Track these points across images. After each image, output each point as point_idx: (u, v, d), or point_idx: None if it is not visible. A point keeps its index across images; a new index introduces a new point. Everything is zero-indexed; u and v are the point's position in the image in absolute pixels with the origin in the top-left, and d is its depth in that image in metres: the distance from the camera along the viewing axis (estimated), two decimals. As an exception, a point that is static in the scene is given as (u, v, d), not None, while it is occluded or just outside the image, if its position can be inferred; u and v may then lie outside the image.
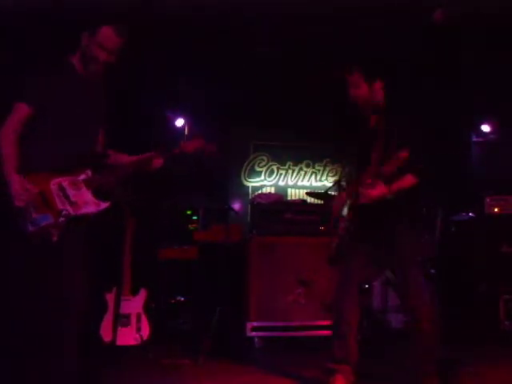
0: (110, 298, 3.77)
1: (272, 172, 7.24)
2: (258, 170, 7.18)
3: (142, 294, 3.84)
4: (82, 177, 2.47)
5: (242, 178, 7.13)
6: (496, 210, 4.90)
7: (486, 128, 6.27)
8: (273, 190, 7.12)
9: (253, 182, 7.14)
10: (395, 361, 3.39)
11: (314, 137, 7.06)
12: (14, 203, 2.29)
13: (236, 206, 6.39)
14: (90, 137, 2.62)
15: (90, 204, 2.44)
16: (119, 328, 3.68)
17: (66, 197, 2.39)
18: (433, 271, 4.70)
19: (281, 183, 7.25)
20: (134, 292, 3.84)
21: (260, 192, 6.89)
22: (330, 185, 6.17)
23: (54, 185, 2.38)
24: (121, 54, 2.59)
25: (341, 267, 3.00)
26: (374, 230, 2.85)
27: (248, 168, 7.15)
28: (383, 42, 4.52)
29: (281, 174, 7.26)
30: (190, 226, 5.26)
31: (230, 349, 3.85)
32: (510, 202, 4.90)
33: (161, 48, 4.73)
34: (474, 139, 6.42)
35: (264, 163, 7.20)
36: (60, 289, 2.43)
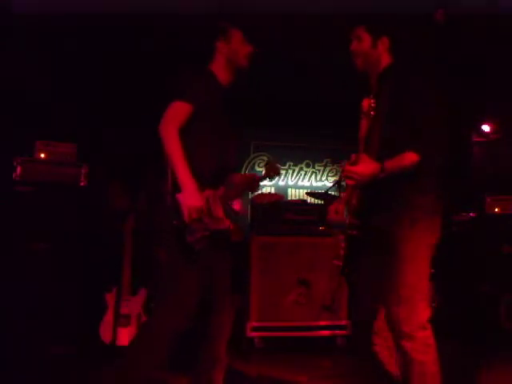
0: (109, 298, 3.76)
1: (272, 172, 7.23)
2: (258, 170, 7.18)
3: (142, 294, 3.84)
4: (219, 192, 2.41)
5: (242, 178, 7.13)
6: (496, 209, 4.90)
7: (486, 128, 6.28)
8: (273, 190, 7.12)
9: (253, 182, 7.14)
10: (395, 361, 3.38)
11: (314, 137, 7.07)
12: (186, 214, 2.22)
13: (236, 205, 6.38)
14: (229, 150, 2.56)
15: (222, 221, 2.38)
16: (119, 328, 3.67)
17: (210, 211, 2.33)
18: (433, 271, 4.70)
19: (281, 183, 7.25)
20: (134, 292, 3.84)
21: (260, 192, 6.89)
22: (330, 185, 6.17)
23: (204, 197, 2.31)
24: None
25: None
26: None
27: (248, 168, 7.16)
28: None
29: (281, 174, 7.26)
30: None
31: (230, 349, 3.84)
32: (510, 202, 4.90)
33: (160, 48, 4.72)
34: (475, 139, 6.42)
35: (264, 163, 7.20)
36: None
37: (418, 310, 2.20)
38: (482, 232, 4.84)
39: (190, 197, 2.22)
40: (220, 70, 2.53)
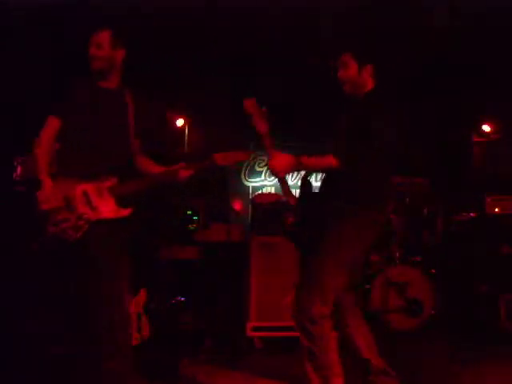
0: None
1: (272, 172, 7.23)
2: (258, 170, 7.19)
3: (142, 294, 3.83)
4: (107, 184, 2.58)
5: (243, 178, 7.14)
6: (496, 209, 4.90)
7: (486, 128, 6.28)
8: (273, 190, 7.13)
9: (253, 182, 7.15)
10: (395, 361, 3.38)
11: (314, 137, 7.07)
12: (40, 206, 2.50)
13: (237, 205, 6.40)
14: (117, 146, 2.70)
15: (110, 210, 2.55)
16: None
17: (89, 202, 2.53)
18: (433, 271, 4.70)
19: (281, 183, 7.25)
20: (134, 292, 3.84)
21: (260, 192, 6.90)
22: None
23: (78, 190, 2.53)
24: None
25: None
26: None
27: (248, 168, 7.16)
28: (383, 42, 4.52)
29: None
30: (190, 226, 5.27)
31: (229, 349, 3.84)
32: (510, 201, 4.90)
33: (161, 48, 4.73)
34: (475, 139, 6.42)
35: (264, 163, 7.21)
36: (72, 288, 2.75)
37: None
38: (482, 232, 4.84)
39: (43, 189, 2.53)
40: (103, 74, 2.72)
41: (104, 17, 4.13)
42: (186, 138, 6.51)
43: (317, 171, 2.43)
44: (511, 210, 4.88)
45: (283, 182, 2.65)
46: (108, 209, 2.55)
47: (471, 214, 5.05)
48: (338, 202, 2.52)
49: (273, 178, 7.20)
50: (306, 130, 6.82)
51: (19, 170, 3.89)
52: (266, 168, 7.19)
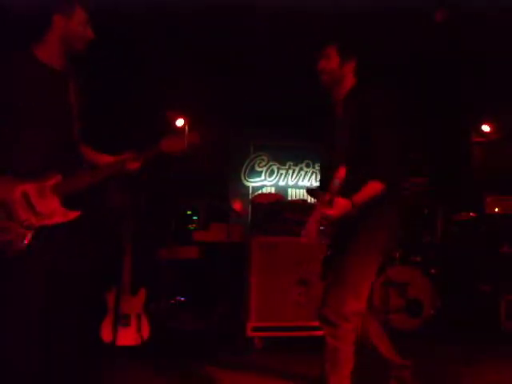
0: (110, 298, 3.77)
1: (272, 172, 7.24)
2: (258, 170, 7.18)
3: (142, 294, 3.84)
4: (51, 182, 2.21)
5: (243, 178, 7.14)
6: (496, 210, 4.90)
7: (486, 128, 6.28)
8: (273, 190, 7.13)
9: (253, 182, 7.14)
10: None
11: (314, 137, 7.06)
12: None
13: (237, 205, 6.39)
14: (60, 136, 2.31)
15: (56, 213, 2.20)
16: (119, 328, 3.68)
17: (31, 206, 2.15)
18: (433, 271, 4.70)
19: (281, 183, 7.26)
20: (134, 292, 3.84)
21: (260, 192, 6.90)
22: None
23: (17, 193, 2.14)
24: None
25: None
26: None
27: (248, 168, 7.16)
28: (382, 41, 4.53)
29: (281, 174, 7.27)
30: (190, 226, 5.27)
31: (230, 349, 3.84)
32: (510, 201, 4.90)
33: (161, 48, 4.73)
34: (475, 139, 6.42)
35: (264, 163, 7.21)
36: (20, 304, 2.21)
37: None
38: (481, 232, 4.84)
39: None
40: (50, 50, 2.29)
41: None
42: (186, 138, 6.50)
43: (369, 201, 2.34)
44: (511, 210, 4.89)
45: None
46: (54, 212, 2.18)
47: (471, 214, 5.05)
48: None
49: (272, 178, 7.20)
50: (305, 130, 6.83)
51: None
52: (265, 168, 7.19)
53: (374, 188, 2.33)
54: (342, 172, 2.27)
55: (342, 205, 2.30)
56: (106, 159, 2.48)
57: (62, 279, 2.29)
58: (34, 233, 2.14)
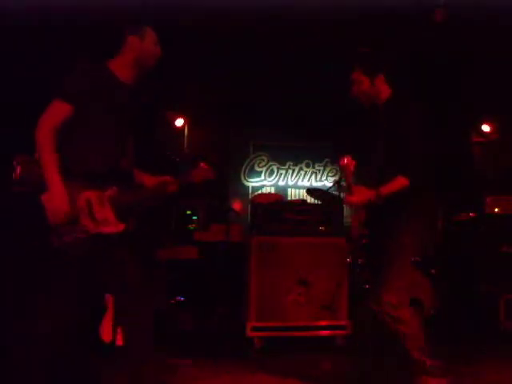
0: (110, 298, 3.76)
1: (272, 172, 7.25)
2: (258, 169, 7.18)
3: (142, 294, 3.83)
4: (108, 193, 2.32)
5: (242, 178, 7.14)
6: (496, 210, 4.90)
7: (486, 128, 6.28)
8: (273, 190, 7.13)
9: (253, 182, 7.14)
10: (395, 361, 3.38)
11: (314, 137, 7.07)
12: (49, 219, 2.18)
13: (236, 205, 6.39)
14: (121, 149, 2.45)
15: (110, 223, 2.30)
16: (119, 328, 3.67)
17: (91, 213, 2.25)
18: (433, 271, 4.70)
19: (281, 183, 7.26)
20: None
21: (260, 192, 6.90)
22: (330, 185, 6.18)
23: (83, 199, 2.24)
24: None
25: None
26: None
27: (248, 168, 7.16)
28: (383, 42, 4.52)
29: (281, 174, 7.27)
30: (190, 226, 5.27)
31: (230, 349, 3.84)
32: (510, 202, 4.91)
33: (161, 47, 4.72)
34: (475, 139, 6.43)
35: (264, 163, 7.21)
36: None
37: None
38: (481, 232, 4.84)
39: (55, 199, 2.17)
40: (123, 67, 2.44)
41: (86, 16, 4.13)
42: (186, 138, 6.52)
43: (392, 195, 2.60)
44: (511, 210, 4.89)
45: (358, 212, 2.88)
46: (108, 222, 2.28)
47: (471, 214, 5.05)
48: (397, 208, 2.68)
49: (272, 178, 7.21)
50: (305, 130, 6.83)
51: (19, 170, 3.88)
52: (265, 168, 7.19)
53: (400, 182, 2.59)
54: (347, 160, 2.64)
55: (363, 192, 2.60)
56: (147, 178, 2.60)
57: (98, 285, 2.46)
58: (90, 238, 2.23)
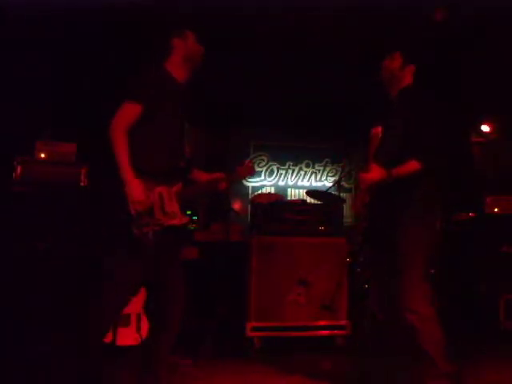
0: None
1: (272, 172, 7.25)
2: (258, 170, 7.18)
3: (142, 294, 3.83)
4: (175, 188, 2.54)
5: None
6: (496, 210, 4.90)
7: (486, 128, 6.28)
8: (273, 190, 7.13)
9: (253, 182, 7.14)
10: (395, 360, 3.38)
11: (314, 137, 7.08)
12: (131, 208, 2.35)
13: (237, 205, 6.39)
14: (183, 147, 2.65)
15: (176, 216, 2.51)
16: (119, 328, 3.67)
17: (163, 206, 2.46)
18: (433, 271, 4.70)
19: (281, 183, 7.26)
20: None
21: (260, 192, 6.90)
22: (330, 185, 6.18)
23: (156, 193, 2.45)
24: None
25: None
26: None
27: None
28: (382, 42, 4.52)
29: (281, 174, 7.27)
30: (190, 226, 5.26)
31: (230, 349, 3.84)
32: (510, 202, 4.90)
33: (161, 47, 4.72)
34: (474, 139, 6.42)
35: (264, 163, 7.21)
36: None
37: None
38: (481, 232, 4.84)
39: (134, 191, 2.35)
40: (176, 67, 2.65)
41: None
42: (186, 138, 6.51)
43: (404, 178, 2.70)
44: (511, 210, 4.89)
45: (365, 192, 2.98)
46: (176, 215, 2.50)
47: (471, 214, 5.05)
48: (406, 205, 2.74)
49: (272, 178, 7.20)
50: (305, 130, 6.83)
51: (19, 169, 3.88)
52: (265, 168, 7.19)
53: (412, 165, 2.67)
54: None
55: (377, 170, 2.66)
56: (200, 174, 2.81)
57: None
58: (161, 230, 2.43)
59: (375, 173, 2.66)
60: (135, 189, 2.35)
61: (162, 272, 2.61)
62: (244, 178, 2.93)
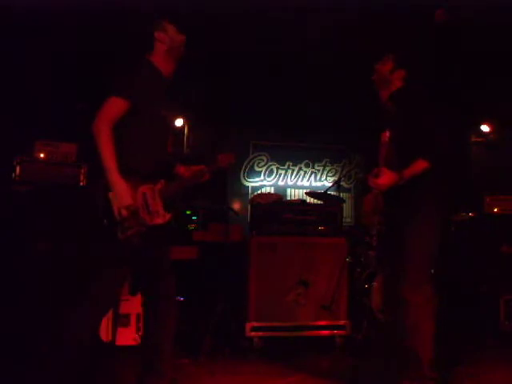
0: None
1: (271, 172, 7.25)
2: (258, 169, 7.19)
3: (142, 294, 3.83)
4: (158, 186, 2.43)
5: (242, 178, 7.14)
6: (496, 210, 4.90)
7: (485, 128, 6.28)
8: (272, 190, 7.13)
9: (252, 182, 7.14)
10: (395, 361, 3.38)
11: (314, 137, 7.08)
12: (116, 213, 2.26)
13: (236, 205, 6.39)
14: (166, 143, 2.59)
15: (160, 215, 2.40)
16: (119, 328, 3.67)
17: (147, 206, 2.35)
18: (432, 271, 4.69)
19: (280, 183, 7.26)
20: (134, 292, 3.83)
21: (259, 192, 6.90)
22: (330, 185, 6.18)
23: (140, 193, 2.35)
24: None
25: None
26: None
27: (247, 168, 7.16)
28: (382, 42, 4.52)
29: (280, 174, 7.27)
30: (190, 226, 5.26)
31: (229, 349, 3.84)
32: (509, 202, 4.91)
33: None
34: (474, 139, 6.43)
35: (263, 163, 7.22)
36: None
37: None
38: (481, 232, 4.84)
39: (122, 196, 2.25)
40: (161, 60, 2.58)
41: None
42: (186, 138, 6.52)
43: (414, 177, 2.74)
44: (510, 210, 4.89)
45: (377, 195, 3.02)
46: (158, 214, 2.38)
47: (471, 214, 5.05)
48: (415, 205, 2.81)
49: (271, 178, 7.20)
50: (305, 130, 6.83)
51: (18, 169, 3.88)
52: (264, 168, 7.19)
53: (420, 165, 2.70)
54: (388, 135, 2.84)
55: (388, 175, 2.69)
56: (182, 169, 2.72)
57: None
58: (145, 230, 2.34)
59: (387, 177, 2.71)
60: (123, 193, 2.26)
61: (152, 270, 2.57)
62: (226, 166, 2.80)
